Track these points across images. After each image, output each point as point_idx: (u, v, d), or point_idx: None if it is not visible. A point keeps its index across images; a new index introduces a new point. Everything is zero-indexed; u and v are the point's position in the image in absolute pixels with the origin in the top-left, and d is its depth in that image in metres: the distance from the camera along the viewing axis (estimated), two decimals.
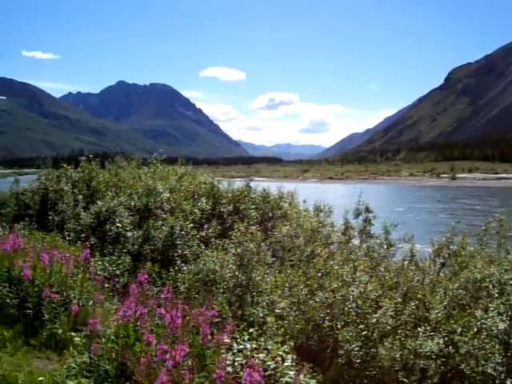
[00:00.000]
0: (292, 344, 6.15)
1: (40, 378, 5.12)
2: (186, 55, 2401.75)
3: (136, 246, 12.67)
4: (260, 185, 18.07)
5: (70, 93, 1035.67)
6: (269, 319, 8.12)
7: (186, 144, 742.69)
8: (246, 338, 5.19)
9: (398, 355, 7.69)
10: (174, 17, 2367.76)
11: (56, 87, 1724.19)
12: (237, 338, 5.13)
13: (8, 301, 7.11)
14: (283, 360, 4.97)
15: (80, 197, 16.15)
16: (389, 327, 8.19)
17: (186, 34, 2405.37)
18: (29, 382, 5.07)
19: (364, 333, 7.98)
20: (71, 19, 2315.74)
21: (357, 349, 7.69)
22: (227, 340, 4.88)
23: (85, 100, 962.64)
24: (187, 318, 5.17)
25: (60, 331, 6.30)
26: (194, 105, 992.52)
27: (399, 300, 8.94)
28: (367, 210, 13.82)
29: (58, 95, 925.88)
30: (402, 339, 7.95)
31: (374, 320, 8.18)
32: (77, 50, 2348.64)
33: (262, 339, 5.28)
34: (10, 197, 17.52)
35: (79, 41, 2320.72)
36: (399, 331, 8.14)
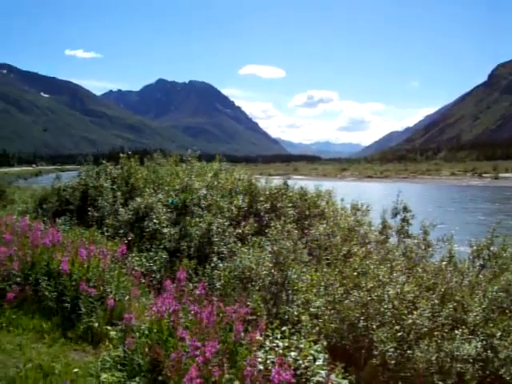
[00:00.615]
0: (325, 343, 6.11)
1: (75, 370, 5.22)
2: (225, 53, 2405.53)
3: (173, 243, 12.79)
4: (298, 183, 18.05)
5: (110, 91, 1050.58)
6: (303, 318, 8.11)
7: (224, 141, 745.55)
8: (279, 336, 5.20)
9: (434, 358, 7.56)
10: (214, 14, 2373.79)
11: (97, 85, 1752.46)
12: (269, 336, 5.14)
13: (47, 294, 7.28)
14: (315, 359, 4.95)
15: (119, 193, 16.37)
16: (425, 329, 8.05)
17: (225, 31, 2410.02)
18: (64, 372, 5.17)
19: (399, 334, 7.87)
20: (112, 18, 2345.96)
21: (392, 350, 7.59)
22: (259, 337, 4.89)
23: (125, 98, 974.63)
24: (221, 314, 5.20)
25: (96, 325, 6.41)
26: (232, 102, 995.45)
27: (436, 301, 8.77)
28: (405, 209, 13.64)
29: (99, 93, 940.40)
30: (439, 341, 7.80)
31: (410, 321, 8.07)
32: (117, 49, 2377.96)
33: (295, 338, 5.27)
34: (52, 193, 17.87)
35: (120, 39, 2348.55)
36: (436, 333, 7.99)
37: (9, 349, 5.89)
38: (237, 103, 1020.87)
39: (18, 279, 7.84)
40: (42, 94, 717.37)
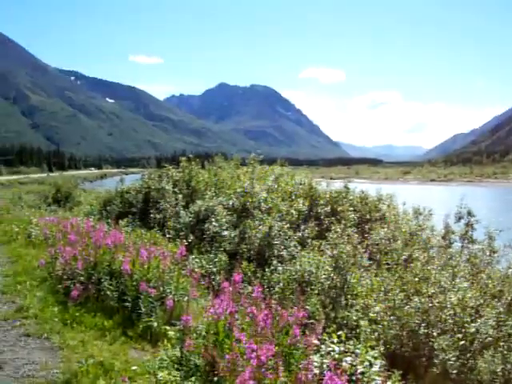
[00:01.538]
0: (382, 349, 6.02)
1: (134, 367, 5.33)
2: (286, 55, 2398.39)
3: (233, 245, 12.87)
4: (359, 186, 17.88)
5: (173, 95, 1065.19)
6: (362, 323, 8.02)
7: (285, 145, 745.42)
8: (335, 340, 5.15)
9: (499, 369, 7.28)
10: (274, 18, 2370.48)
11: (160, 90, 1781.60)
12: (325, 340, 5.10)
13: (109, 293, 7.46)
14: (371, 365, 4.88)
15: (180, 196, 16.62)
16: (490, 338, 7.80)
17: (285, 34, 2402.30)
18: (124, 369, 5.28)
19: (462, 342, 7.63)
20: (174, 23, 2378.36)
21: (453, 359, 7.37)
22: (315, 341, 4.86)
23: (187, 102, 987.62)
24: (277, 317, 5.19)
25: (155, 324, 6.51)
26: (293, 105, 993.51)
27: (502, 310, 8.48)
28: (469, 213, 13.27)
29: (162, 98, 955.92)
30: (505, 352, 7.51)
31: (473, 329, 7.83)
32: (180, 53, 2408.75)
33: (351, 342, 5.21)
34: (115, 195, 18.32)
35: (182, 44, 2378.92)
36: (501, 343, 7.73)
37: (72, 345, 6.08)
38: (298, 106, 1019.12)
39: (82, 278, 8.07)
40: (107, 99, 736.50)
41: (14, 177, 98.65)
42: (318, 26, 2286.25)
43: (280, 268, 10.94)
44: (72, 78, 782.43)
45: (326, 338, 5.21)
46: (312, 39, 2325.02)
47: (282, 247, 12.50)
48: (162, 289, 7.11)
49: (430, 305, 8.23)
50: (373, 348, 5.41)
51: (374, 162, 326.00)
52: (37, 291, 8.49)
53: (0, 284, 9.34)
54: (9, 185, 68.67)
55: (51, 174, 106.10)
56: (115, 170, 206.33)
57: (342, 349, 5.02)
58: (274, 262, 11.41)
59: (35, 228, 14.16)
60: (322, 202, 15.50)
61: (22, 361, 5.71)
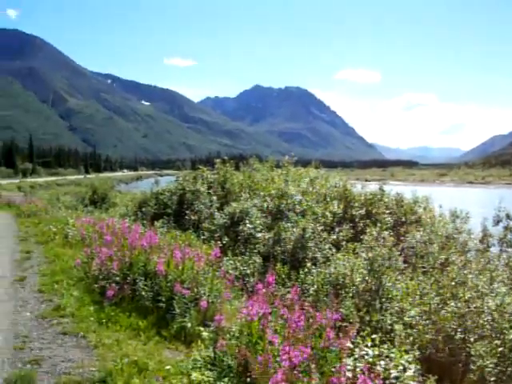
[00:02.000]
0: (417, 353, 5.93)
1: (168, 367, 5.36)
2: (320, 57, 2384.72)
3: (267, 247, 12.86)
4: (394, 189, 17.73)
5: (208, 97, 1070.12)
6: (397, 327, 7.91)
7: (320, 146, 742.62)
8: (369, 343, 5.10)
9: None
10: (310, 19, 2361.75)
11: (195, 92, 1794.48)
12: (359, 344, 5.05)
13: (143, 293, 7.52)
14: (405, 369, 4.82)
15: (215, 197, 16.70)
16: None
17: (321, 35, 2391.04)
18: (157, 369, 5.32)
19: (500, 349, 7.45)
20: (208, 26, 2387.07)
21: (491, 366, 7.19)
22: (349, 345, 4.82)
23: (222, 104, 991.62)
24: (311, 320, 5.17)
25: (189, 325, 6.54)
26: (328, 107, 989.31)
27: None
28: (508, 216, 13.03)
29: (196, 100, 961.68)
30: None
31: None
32: (214, 56, 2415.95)
33: (386, 346, 5.15)
34: (151, 197, 18.51)
35: (216, 47, 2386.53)
36: None
37: (107, 343, 6.15)
38: (332, 108, 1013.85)
39: (117, 278, 8.17)
40: (142, 101, 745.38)
41: (52, 178, 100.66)
42: (353, 27, 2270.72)
43: (314, 270, 10.89)
44: (108, 80, 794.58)
45: (360, 342, 5.16)
46: (347, 40, 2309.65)
47: (316, 249, 12.46)
48: (196, 290, 7.14)
49: (467, 310, 8.07)
50: (407, 352, 5.33)
51: (410, 164, 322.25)
52: (73, 290, 8.62)
53: (38, 283, 9.53)
54: (47, 186, 70.10)
55: (88, 176, 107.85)
56: (150, 172, 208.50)
57: (376, 352, 4.96)
58: (308, 265, 11.36)
59: (72, 228, 14.38)
60: (356, 204, 15.39)
61: (59, 358, 5.81)
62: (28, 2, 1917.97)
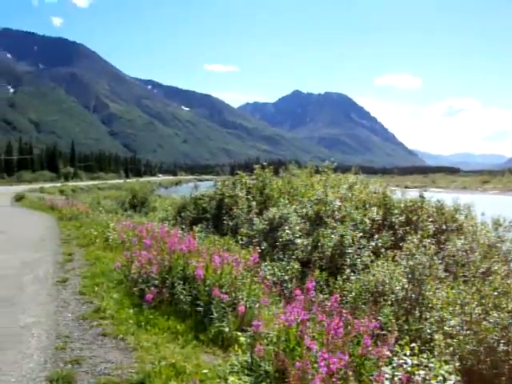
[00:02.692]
0: (457, 364, 5.82)
1: (205, 371, 5.38)
2: (360, 63, 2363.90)
3: (305, 253, 12.82)
4: (435, 195, 17.47)
5: (247, 103, 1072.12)
6: (436, 336, 7.78)
7: (360, 153, 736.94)
8: (408, 352, 5.02)
9: None
10: (350, 25, 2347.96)
11: (234, 98, 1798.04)
12: (398, 352, 4.99)
13: (182, 297, 7.58)
14: (445, 380, 4.73)
15: (254, 203, 16.73)
16: None
17: (361, 41, 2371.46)
18: (195, 372, 5.35)
19: None
20: (248, 32, 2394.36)
21: None
22: (387, 353, 4.76)
23: (261, 109, 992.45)
24: (349, 327, 5.13)
25: (227, 330, 6.55)
26: (368, 113, 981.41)
27: None
28: None
29: (236, 105, 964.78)
30: None
31: None
32: (254, 62, 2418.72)
33: (425, 356, 5.07)
34: (190, 201, 18.66)
35: (256, 52, 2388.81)
36: None
37: (146, 346, 6.23)
38: (373, 114, 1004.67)
39: (156, 282, 8.25)
40: (182, 107, 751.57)
41: (93, 182, 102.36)
42: (395, 33, 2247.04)
43: (353, 277, 10.80)
44: (149, 86, 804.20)
45: (399, 350, 5.09)
46: (388, 46, 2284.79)
47: (355, 256, 12.36)
48: (234, 295, 7.16)
49: (511, 321, 7.89)
50: (447, 363, 5.24)
51: (451, 171, 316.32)
52: (113, 293, 8.76)
53: (79, 285, 9.71)
54: (88, 190, 71.32)
55: (128, 180, 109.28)
56: (189, 177, 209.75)
57: (415, 362, 4.88)
58: (347, 271, 11.28)
59: (112, 232, 14.59)
60: (396, 211, 15.21)
61: (98, 359, 5.92)
62: (72, 11, 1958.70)
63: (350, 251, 12.41)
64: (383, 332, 6.09)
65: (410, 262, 9.84)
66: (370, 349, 4.82)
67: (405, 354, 4.99)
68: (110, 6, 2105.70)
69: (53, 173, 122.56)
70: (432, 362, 4.95)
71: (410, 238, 11.36)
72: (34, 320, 7.50)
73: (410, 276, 9.66)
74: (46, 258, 12.86)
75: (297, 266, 11.86)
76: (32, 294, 9.18)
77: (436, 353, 7.09)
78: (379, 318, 7.80)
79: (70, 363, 5.76)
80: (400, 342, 5.26)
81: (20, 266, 11.86)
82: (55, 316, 7.72)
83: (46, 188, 61.86)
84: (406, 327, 8.55)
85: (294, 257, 12.53)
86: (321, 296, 9.17)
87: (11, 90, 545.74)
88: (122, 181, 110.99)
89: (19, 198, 40.12)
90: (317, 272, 11.06)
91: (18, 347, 6.29)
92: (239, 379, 5.00)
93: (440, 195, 18.20)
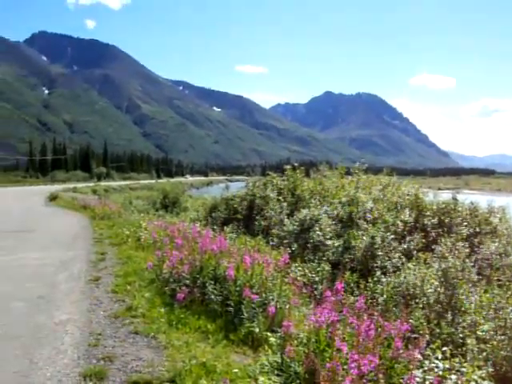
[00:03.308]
0: (491, 370, 5.73)
1: (235, 370, 5.41)
2: (392, 63, 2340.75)
3: (336, 255, 12.76)
4: (468, 198, 17.24)
5: (278, 104, 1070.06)
6: (469, 341, 7.67)
7: (392, 154, 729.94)
8: (439, 356, 4.97)
9: None
10: (381, 25, 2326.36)
11: (266, 98, 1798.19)
12: (429, 356, 4.94)
13: (213, 297, 7.63)
14: None
15: (285, 204, 16.72)
16: None
17: (393, 41, 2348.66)
18: (225, 372, 5.38)
19: None
20: (279, 33, 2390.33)
21: None
22: (418, 356, 4.72)
23: (293, 110, 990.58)
24: (379, 329, 5.10)
25: (257, 330, 6.57)
26: (401, 114, 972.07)
27: None
28: None
29: (267, 106, 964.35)
30: None
31: None
32: (285, 62, 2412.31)
33: (457, 360, 5.00)
34: (221, 202, 18.73)
35: (287, 54, 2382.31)
36: None
37: (177, 345, 6.28)
38: (405, 114, 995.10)
39: (188, 281, 8.31)
40: (214, 108, 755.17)
41: (125, 182, 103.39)
42: (427, 33, 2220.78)
43: (384, 279, 10.72)
44: (180, 87, 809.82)
45: (430, 354, 5.05)
46: (421, 46, 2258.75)
47: (386, 258, 12.26)
48: (264, 295, 7.18)
49: None
50: (480, 368, 5.17)
51: (486, 173, 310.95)
52: (145, 292, 8.85)
53: (112, 284, 9.83)
54: (120, 190, 72.11)
55: (159, 181, 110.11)
56: (221, 178, 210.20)
57: (447, 366, 4.83)
58: (378, 273, 11.20)
59: (144, 232, 14.72)
60: (428, 213, 15.04)
61: (130, 356, 6.00)
62: (105, 13, 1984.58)
63: (380, 253, 12.31)
64: (414, 335, 6.04)
65: (443, 265, 9.73)
66: (401, 352, 4.79)
67: (436, 358, 4.94)
68: (142, 8, 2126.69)
69: (86, 173, 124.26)
70: (464, 367, 4.89)
71: (442, 240, 11.24)
72: (67, 317, 7.63)
73: (442, 279, 9.54)
74: (80, 257, 13.05)
75: (327, 267, 11.81)
76: (66, 291, 9.33)
77: (468, 358, 7.00)
78: (410, 320, 7.72)
79: (103, 360, 5.85)
80: (431, 346, 5.21)
81: (54, 264, 12.06)
82: (88, 313, 7.84)
83: (79, 188, 62.73)
84: (438, 331, 8.44)
85: (324, 258, 12.48)
86: (351, 298, 9.12)
87: (46, 92, 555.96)
88: (153, 181, 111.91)
89: (53, 198, 40.70)
90: (347, 274, 11.01)
91: (52, 343, 6.42)
92: (269, 379, 5.01)
93: (474, 197, 17.97)
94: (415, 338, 4.84)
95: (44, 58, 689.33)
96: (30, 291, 9.28)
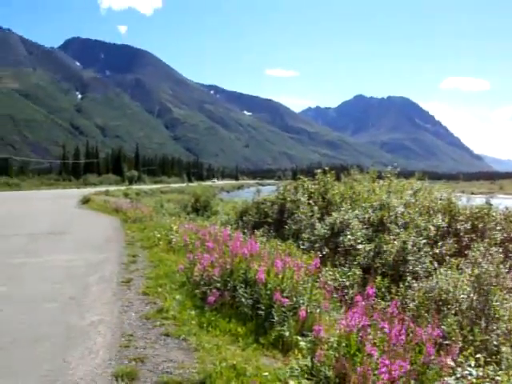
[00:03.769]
0: None
1: (265, 373, 5.40)
2: (424, 66, 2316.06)
3: (367, 259, 12.68)
4: (503, 202, 16.99)
5: (309, 107, 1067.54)
6: (504, 349, 7.55)
7: (424, 158, 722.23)
8: (472, 363, 4.89)
9: None
10: (412, 28, 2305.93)
11: (296, 102, 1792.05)
12: (462, 363, 4.87)
13: (243, 300, 7.64)
14: None
15: (315, 208, 16.67)
16: None
17: (424, 44, 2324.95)
18: (255, 374, 5.38)
19: None
20: (309, 37, 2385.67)
21: None
22: (451, 363, 4.66)
23: (323, 114, 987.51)
24: (410, 334, 5.06)
25: (287, 334, 6.56)
26: (433, 117, 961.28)
27: None
28: None
29: (298, 110, 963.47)
30: None
31: None
32: (315, 66, 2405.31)
33: (491, 368, 4.92)
34: (252, 206, 18.76)
35: (317, 57, 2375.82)
36: None
37: (207, 347, 6.30)
38: (437, 118, 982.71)
39: (218, 284, 8.34)
40: (244, 112, 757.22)
41: (157, 186, 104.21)
42: (459, 35, 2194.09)
43: (415, 285, 10.61)
44: (211, 91, 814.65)
45: (463, 361, 4.98)
46: (453, 49, 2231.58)
47: (418, 263, 12.14)
48: (295, 299, 7.17)
49: None
50: None
51: None
52: (176, 294, 8.89)
53: (144, 286, 9.91)
54: (151, 193, 72.60)
55: (190, 184, 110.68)
56: (251, 181, 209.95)
57: (481, 373, 4.75)
58: (409, 278, 11.10)
59: (175, 235, 14.79)
60: (461, 218, 14.85)
61: (161, 358, 6.05)
62: (137, 18, 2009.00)
63: (411, 258, 12.19)
64: (446, 342, 5.97)
65: (476, 271, 9.59)
66: (433, 358, 4.73)
67: (469, 365, 4.87)
68: (173, 13, 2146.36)
69: (118, 176, 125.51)
70: (499, 375, 4.80)
71: (475, 245, 11.09)
72: (99, 318, 7.72)
73: (475, 285, 9.41)
74: (111, 259, 13.19)
75: (358, 271, 11.74)
76: (98, 293, 9.44)
77: (503, 366, 6.89)
78: (442, 327, 7.63)
79: (134, 361, 5.91)
80: (464, 353, 5.14)
81: (86, 266, 12.21)
82: (120, 315, 7.92)
83: (111, 191, 63.39)
84: (471, 338, 8.31)
85: (355, 262, 12.41)
86: (382, 303, 9.05)
87: (79, 96, 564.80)
88: (184, 184, 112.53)
89: (86, 201, 41.20)
90: (378, 278, 10.93)
91: (85, 344, 6.50)
92: (299, 383, 5.00)
93: (508, 202, 17.69)
94: (447, 345, 4.78)
95: (77, 64, 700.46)
96: (62, 292, 9.42)
